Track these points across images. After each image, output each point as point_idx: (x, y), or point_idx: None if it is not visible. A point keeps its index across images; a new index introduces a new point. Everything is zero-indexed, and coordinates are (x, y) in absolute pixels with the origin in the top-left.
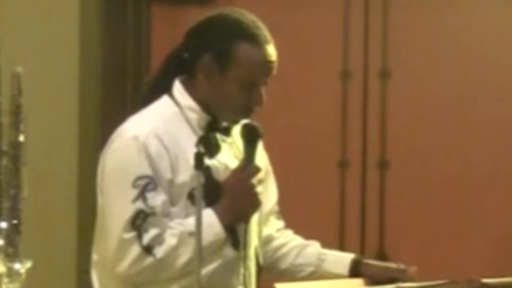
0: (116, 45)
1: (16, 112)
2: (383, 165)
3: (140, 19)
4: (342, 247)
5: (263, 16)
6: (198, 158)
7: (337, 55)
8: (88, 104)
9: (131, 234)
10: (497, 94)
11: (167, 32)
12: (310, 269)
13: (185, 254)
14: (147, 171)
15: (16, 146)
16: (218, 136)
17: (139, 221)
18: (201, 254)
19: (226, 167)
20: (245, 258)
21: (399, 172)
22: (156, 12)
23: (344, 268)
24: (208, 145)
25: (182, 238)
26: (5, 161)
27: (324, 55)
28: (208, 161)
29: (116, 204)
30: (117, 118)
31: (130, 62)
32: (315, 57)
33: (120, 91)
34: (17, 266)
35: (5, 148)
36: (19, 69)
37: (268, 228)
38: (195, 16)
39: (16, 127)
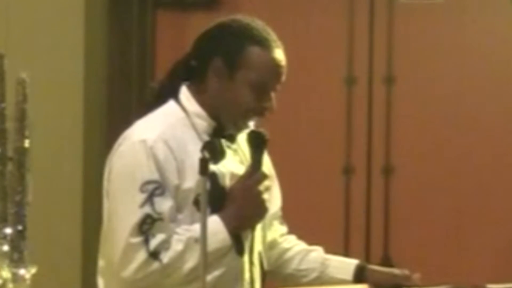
0: (121, 50)
1: (21, 118)
2: (388, 171)
3: (145, 24)
4: (347, 253)
5: (268, 22)
6: (203, 164)
7: (342, 61)
8: (93, 109)
9: (138, 239)
10: (502, 99)
11: (172, 37)
12: (314, 274)
13: (191, 260)
14: (155, 176)
15: (21, 152)
16: (223, 142)
17: (146, 226)
18: (206, 260)
19: (232, 173)
20: (250, 264)
21: (404, 178)
22: (161, 17)
23: (349, 274)
24: (213, 151)
25: (188, 244)
26: (10, 166)
27: (329, 61)
28: (213, 167)
29: (123, 208)
30: (122, 123)
31: (135, 67)
32: (320, 62)
33: (125, 96)
34: (22, 271)
35: (10, 154)
36: (23, 74)
37: (271, 233)
38: (200, 21)
39: (21, 132)
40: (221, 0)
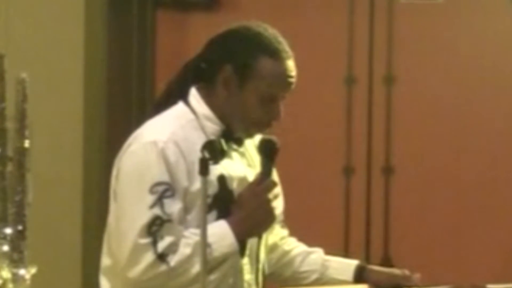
0: (121, 50)
1: (21, 117)
2: (388, 170)
3: (145, 24)
4: (347, 252)
5: (268, 22)
6: (203, 164)
7: (342, 61)
8: (93, 109)
9: (146, 240)
10: (502, 99)
11: (172, 37)
12: (314, 276)
13: (198, 264)
14: (165, 177)
15: (21, 152)
16: (231, 145)
17: (155, 228)
18: (207, 262)
19: (240, 176)
20: (256, 269)
21: (404, 178)
22: (161, 17)
23: (349, 275)
24: (212, 151)
25: (196, 248)
26: (10, 167)
27: (329, 61)
28: (222, 170)
29: (132, 209)
30: (122, 124)
31: (135, 67)
32: (320, 63)
33: (125, 97)
34: (22, 272)
35: (10, 154)
36: (24, 74)
37: (272, 236)
38: (200, 21)
39: (21, 133)
40: (221, 0)
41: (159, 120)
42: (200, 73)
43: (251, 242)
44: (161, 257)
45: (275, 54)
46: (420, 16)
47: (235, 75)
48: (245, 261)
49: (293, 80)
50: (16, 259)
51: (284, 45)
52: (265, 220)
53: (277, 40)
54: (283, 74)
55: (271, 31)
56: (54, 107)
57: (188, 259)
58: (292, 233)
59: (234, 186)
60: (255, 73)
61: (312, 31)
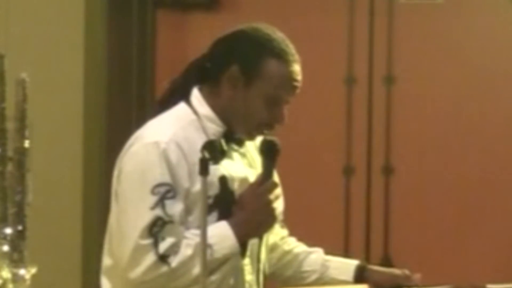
0: (121, 50)
1: (21, 118)
2: (388, 171)
3: (145, 24)
4: (347, 253)
5: (268, 22)
6: (203, 164)
7: (342, 61)
8: (93, 110)
9: (147, 241)
10: (502, 99)
11: (172, 37)
12: (314, 276)
13: (200, 265)
14: (167, 178)
15: (21, 152)
16: (232, 145)
17: (156, 229)
18: (207, 263)
19: (241, 177)
20: (257, 269)
21: (404, 178)
22: (161, 17)
23: (349, 275)
24: (212, 151)
25: (197, 249)
26: (10, 167)
27: (329, 61)
28: (223, 171)
29: (134, 209)
30: (122, 124)
31: (135, 67)
32: (320, 63)
33: (125, 97)
34: (22, 272)
35: (10, 154)
36: (24, 75)
37: (273, 236)
38: (200, 21)
39: (21, 133)
40: (221, 0)
41: (161, 121)
42: (205, 73)
43: (252, 242)
44: (162, 258)
45: (282, 57)
46: (420, 16)
47: (241, 75)
48: (246, 261)
49: (298, 84)
50: (16, 259)
51: (292, 49)
52: (266, 221)
53: (285, 43)
54: (289, 77)
55: (279, 34)
56: (54, 107)
57: (189, 260)
58: (292, 233)
59: (236, 187)
60: (261, 74)
61: (312, 31)
